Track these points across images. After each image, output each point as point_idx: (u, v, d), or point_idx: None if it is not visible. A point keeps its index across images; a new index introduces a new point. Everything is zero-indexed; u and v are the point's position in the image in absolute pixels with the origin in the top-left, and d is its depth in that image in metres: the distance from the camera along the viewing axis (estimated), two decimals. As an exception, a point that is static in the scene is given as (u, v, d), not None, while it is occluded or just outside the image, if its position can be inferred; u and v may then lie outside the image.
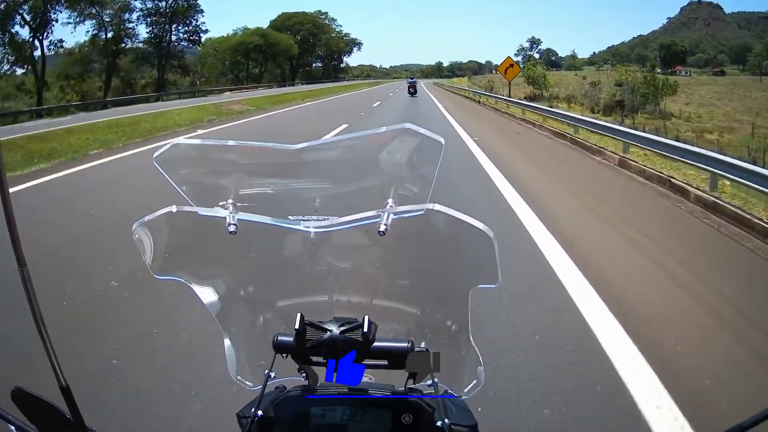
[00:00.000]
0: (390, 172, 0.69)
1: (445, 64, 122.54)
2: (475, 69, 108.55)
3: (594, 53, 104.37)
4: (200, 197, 0.70)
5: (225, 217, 0.67)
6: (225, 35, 68.81)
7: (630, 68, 45.99)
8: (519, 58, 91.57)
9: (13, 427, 0.57)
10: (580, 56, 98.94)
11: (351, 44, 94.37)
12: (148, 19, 47.53)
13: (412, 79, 33.95)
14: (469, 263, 0.68)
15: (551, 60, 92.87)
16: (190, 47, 53.41)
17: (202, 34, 52.07)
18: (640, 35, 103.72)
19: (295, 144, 0.68)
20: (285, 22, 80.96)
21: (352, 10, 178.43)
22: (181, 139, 0.69)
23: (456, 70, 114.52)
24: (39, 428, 0.58)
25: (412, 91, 30.23)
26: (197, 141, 0.70)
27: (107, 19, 43.63)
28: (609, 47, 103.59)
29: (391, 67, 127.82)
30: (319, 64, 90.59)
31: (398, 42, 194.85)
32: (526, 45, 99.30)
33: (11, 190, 1.82)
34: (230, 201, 0.69)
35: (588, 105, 42.20)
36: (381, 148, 0.68)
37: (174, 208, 0.67)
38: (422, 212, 0.63)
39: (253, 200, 0.70)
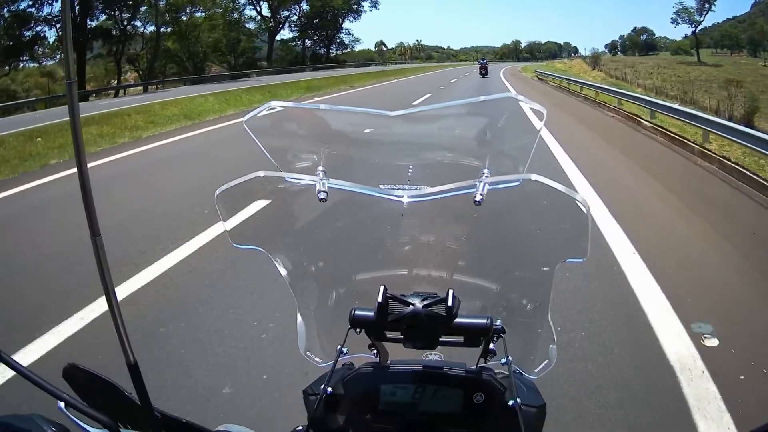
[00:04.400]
0: (487, 142, 0.67)
1: (523, 44, 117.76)
2: (554, 51, 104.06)
3: (686, 35, 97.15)
4: (290, 163, 0.68)
5: (315, 184, 0.64)
6: None
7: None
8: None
9: (62, 404, 0.54)
10: (670, 37, 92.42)
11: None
12: None
13: (483, 60, 36.36)
14: (560, 236, 0.65)
15: (645, 42, 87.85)
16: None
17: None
18: (735, 16, 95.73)
19: (392, 110, 0.65)
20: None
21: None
22: (274, 102, 0.66)
23: (535, 51, 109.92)
24: (93, 407, 0.54)
25: (484, 72, 32.39)
26: (290, 104, 0.67)
27: None
28: (701, 29, 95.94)
29: (461, 48, 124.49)
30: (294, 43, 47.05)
31: (468, 23, 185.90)
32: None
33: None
34: (320, 167, 0.67)
35: None
36: (480, 117, 0.67)
37: (261, 173, 0.64)
38: (519, 183, 0.61)
39: (344, 167, 0.68)
